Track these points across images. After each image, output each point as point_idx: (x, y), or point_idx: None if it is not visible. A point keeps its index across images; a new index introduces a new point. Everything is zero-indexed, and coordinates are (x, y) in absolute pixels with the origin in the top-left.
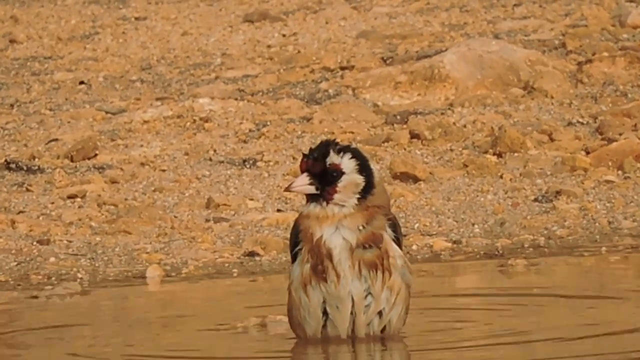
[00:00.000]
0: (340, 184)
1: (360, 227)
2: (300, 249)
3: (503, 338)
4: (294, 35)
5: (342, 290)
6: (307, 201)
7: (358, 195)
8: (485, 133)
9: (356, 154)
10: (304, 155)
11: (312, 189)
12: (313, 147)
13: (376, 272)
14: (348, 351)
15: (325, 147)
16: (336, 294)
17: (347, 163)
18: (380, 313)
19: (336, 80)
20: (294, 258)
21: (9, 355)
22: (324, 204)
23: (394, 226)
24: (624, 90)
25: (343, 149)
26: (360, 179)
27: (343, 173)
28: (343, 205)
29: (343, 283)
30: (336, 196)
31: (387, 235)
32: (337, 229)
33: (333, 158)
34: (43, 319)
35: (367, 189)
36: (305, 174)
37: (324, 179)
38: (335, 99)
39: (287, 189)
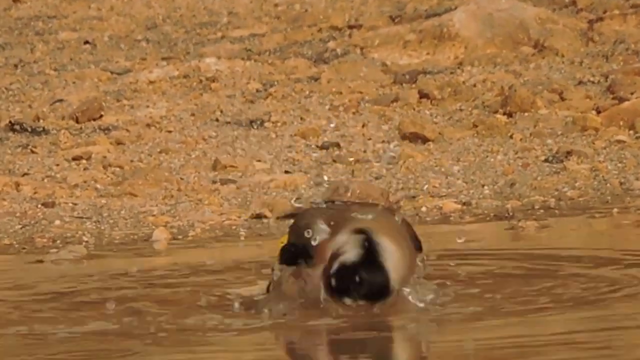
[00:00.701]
0: None
1: None
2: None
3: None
4: None
5: None
6: None
7: None
8: (495, 92)
9: None
10: None
11: None
12: None
13: None
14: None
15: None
16: None
17: None
18: None
19: (344, 39)
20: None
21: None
22: None
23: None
24: (636, 48)
25: None
26: None
27: None
28: None
29: None
30: None
31: None
32: None
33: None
34: (50, 283)
35: None
36: None
37: None
38: (343, 58)
39: None
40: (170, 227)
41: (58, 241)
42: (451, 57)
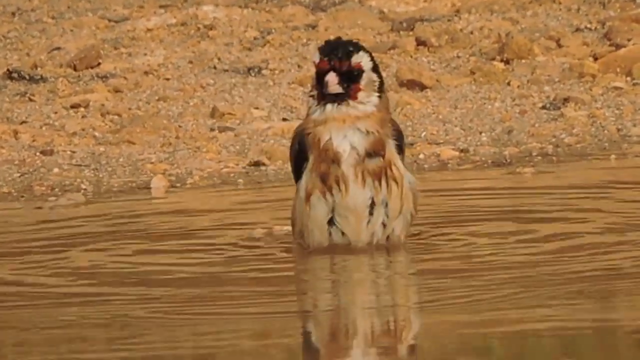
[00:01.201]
0: (362, 83)
1: (372, 131)
2: (306, 165)
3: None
4: None
5: (350, 200)
6: (318, 104)
7: (377, 94)
8: (493, 40)
9: (369, 52)
10: (327, 55)
11: (340, 89)
12: (327, 46)
13: (380, 181)
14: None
15: (347, 46)
16: (345, 204)
17: (365, 61)
18: (383, 223)
19: None
20: (298, 175)
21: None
22: (349, 103)
23: (398, 133)
24: None
25: (358, 47)
26: (375, 77)
27: (363, 71)
28: (367, 103)
29: (352, 191)
30: (360, 94)
31: (391, 143)
32: (346, 135)
33: (356, 57)
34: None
35: (382, 88)
36: (333, 73)
37: (348, 78)
38: (340, 5)
39: (324, 90)
40: (168, 174)
41: (57, 189)
42: (448, 5)
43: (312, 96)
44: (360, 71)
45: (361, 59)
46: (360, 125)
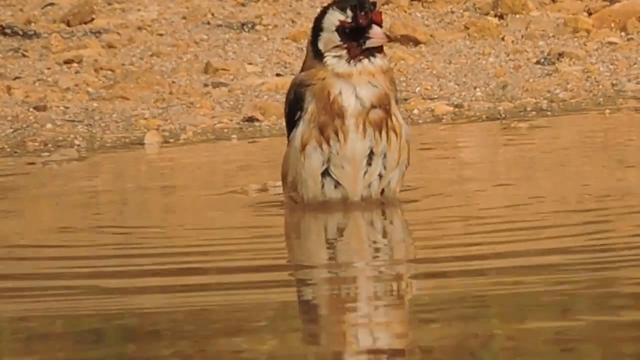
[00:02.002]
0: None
1: (383, 85)
2: (303, 115)
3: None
4: None
5: (349, 149)
6: (353, 59)
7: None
8: None
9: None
10: (364, 9)
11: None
12: (352, 2)
13: (381, 132)
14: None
15: (369, 0)
16: (343, 153)
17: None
18: (380, 175)
19: None
20: (291, 124)
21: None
22: (377, 57)
23: (395, 86)
24: None
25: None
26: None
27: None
28: (385, 58)
29: (352, 141)
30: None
31: (392, 95)
32: (355, 89)
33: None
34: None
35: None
36: (377, 27)
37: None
38: None
39: (373, 43)
40: (162, 130)
41: (50, 145)
42: None
43: (336, 55)
44: (380, 24)
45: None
46: (376, 79)
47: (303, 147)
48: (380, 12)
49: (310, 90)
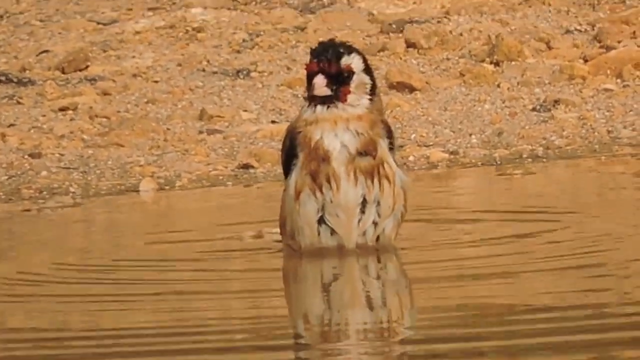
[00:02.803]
0: (353, 85)
1: (363, 132)
2: (295, 162)
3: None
4: None
5: (342, 198)
6: (309, 105)
7: (368, 96)
8: (482, 41)
9: (361, 54)
10: (316, 57)
11: (328, 91)
12: (318, 47)
13: (372, 180)
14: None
15: (337, 48)
16: (336, 201)
17: (356, 63)
18: (375, 222)
19: None
20: (287, 171)
21: None
22: (338, 105)
23: (389, 132)
24: None
25: (350, 49)
26: (367, 79)
27: (354, 73)
28: (357, 106)
29: (344, 189)
30: (349, 97)
31: (383, 143)
32: (337, 135)
33: (346, 59)
34: (35, 231)
35: (374, 90)
36: (321, 76)
37: (337, 80)
38: (329, 7)
39: (310, 92)
40: (157, 177)
41: (45, 192)
42: (438, 6)
43: (304, 97)
44: (350, 73)
45: (351, 61)
46: (351, 126)
47: (297, 195)
48: (337, 64)
49: (298, 137)
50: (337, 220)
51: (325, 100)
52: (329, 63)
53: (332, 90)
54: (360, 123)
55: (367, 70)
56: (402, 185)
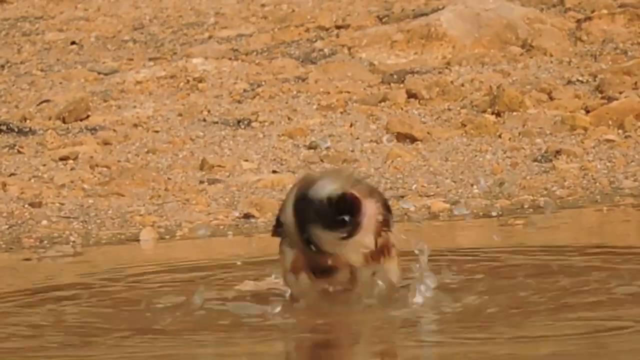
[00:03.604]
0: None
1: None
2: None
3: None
4: None
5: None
6: None
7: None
8: (484, 92)
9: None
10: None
11: None
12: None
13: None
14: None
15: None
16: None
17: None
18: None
19: (331, 39)
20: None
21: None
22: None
23: (387, 207)
24: (624, 47)
25: None
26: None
27: None
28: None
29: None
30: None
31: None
32: None
33: None
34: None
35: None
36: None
37: None
38: (330, 58)
39: None
40: (157, 226)
41: (45, 241)
42: (439, 57)
43: None
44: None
45: None
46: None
47: (293, 270)
48: None
49: None
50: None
51: None
52: None
53: None
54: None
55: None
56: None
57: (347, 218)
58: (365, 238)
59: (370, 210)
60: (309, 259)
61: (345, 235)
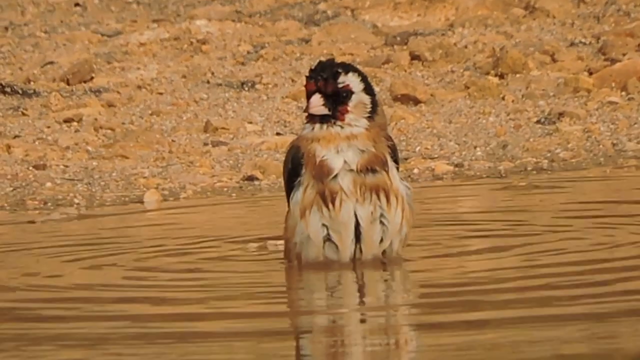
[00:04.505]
0: (351, 104)
1: (366, 149)
2: (300, 179)
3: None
4: None
5: (344, 215)
6: (309, 123)
7: (367, 115)
8: (487, 54)
9: (361, 73)
10: (313, 76)
11: (324, 110)
12: (316, 67)
13: (379, 196)
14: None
15: (334, 67)
16: (338, 219)
17: (355, 82)
18: (381, 238)
19: (335, 1)
20: (290, 189)
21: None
22: (336, 124)
23: (394, 150)
24: (627, 9)
25: (350, 68)
26: (367, 99)
27: (353, 93)
28: (355, 126)
29: (345, 208)
30: (347, 116)
31: (389, 159)
32: (340, 151)
33: (344, 78)
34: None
35: (374, 109)
36: (318, 95)
37: (335, 100)
38: (334, 20)
39: (307, 110)
40: (161, 189)
41: (49, 203)
42: (442, 19)
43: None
44: (348, 92)
45: (349, 81)
46: (353, 143)
47: (303, 213)
48: (334, 83)
49: (301, 155)
50: (340, 237)
51: (324, 119)
52: (326, 82)
53: (329, 109)
54: (363, 140)
55: (368, 89)
56: (408, 201)
57: None
58: None
59: None
60: None
61: None
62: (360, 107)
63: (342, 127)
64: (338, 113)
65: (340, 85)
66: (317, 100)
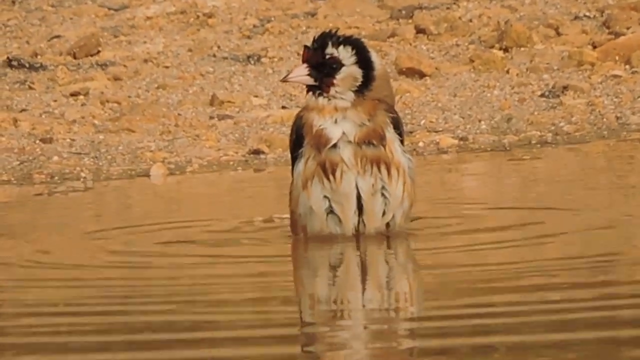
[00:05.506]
0: (339, 77)
1: (362, 123)
2: (302, 150)
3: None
4: None
5: (346, 187)
6: (308, 93)
7: (356, 89)
8: (491, 27)
9: (358, 46)
10: (305, 46)
11: (309, 80)
12: (314, 38)
13: (379, 168)
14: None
15: (324, 38)
16: (340, 191)
17: (346, 55)
18: (384, 210)
19: None
20: (295, 159)
21: (10, 246)
22: (322, 95)
23: (397, 122)
24: None
25: (344, 41)
26: (358, 73)
27: (342, 65)
28: (341, 99)
29: (346, 179)
30: (333, 89)
31: (389, 133)
32: (337, 122)
33: (332, 49)
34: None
35: (366, 84)
36: (304, 65)
37: (323, 71)
38: None
39: (284, 79)
40: (167, 162)
41: (56, 177)
42: None
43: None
44: (337, 64)
45: (338, 53)
46: (348, 115)
47: (305, 184)
48: (321, 54)
49: (302, 125)
50: (342, 209)
51: (312, 89)
52: (314, 53)
53: (315, 80)
54: (357, 113)
55: (363, 63)
56: (410, 174)
57: None
58: None
59: None
60: None
61: None
62: (349, 80)
63: (328, 99)
64: (324, 85)
65: (327, 57)
66: (298, 70)
